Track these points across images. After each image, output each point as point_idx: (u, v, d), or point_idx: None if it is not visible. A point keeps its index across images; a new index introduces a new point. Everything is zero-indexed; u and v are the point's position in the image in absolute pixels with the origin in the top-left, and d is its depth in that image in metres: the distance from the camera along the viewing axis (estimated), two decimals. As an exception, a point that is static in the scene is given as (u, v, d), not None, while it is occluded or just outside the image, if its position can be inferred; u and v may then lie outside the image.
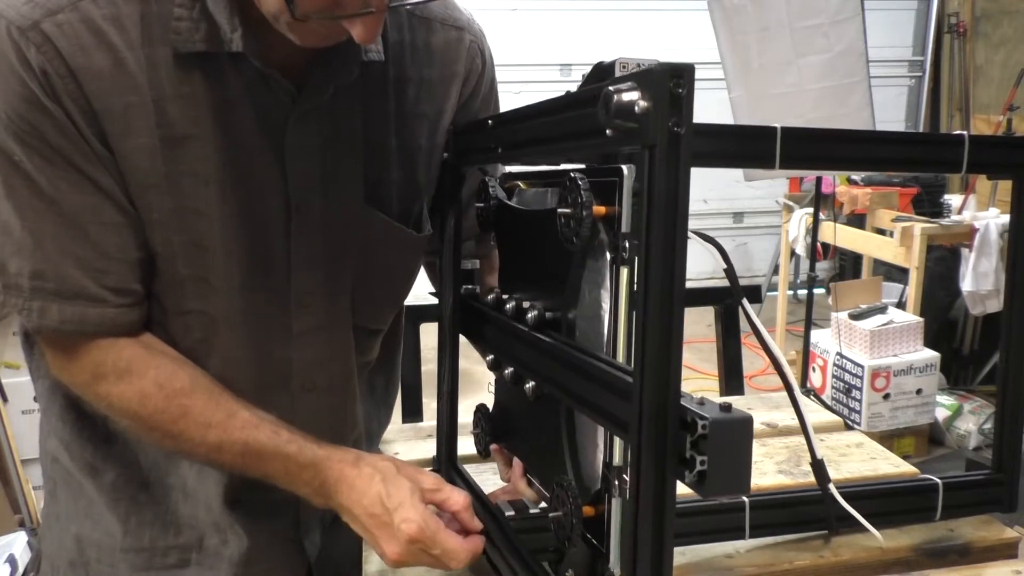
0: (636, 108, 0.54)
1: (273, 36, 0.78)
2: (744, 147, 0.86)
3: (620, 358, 0.68)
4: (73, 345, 0.86)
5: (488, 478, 1.16)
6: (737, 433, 0.56)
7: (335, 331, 0.96)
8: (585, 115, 0.62)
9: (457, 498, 0.86)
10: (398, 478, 0.85)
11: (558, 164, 0.86)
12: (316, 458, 0.86)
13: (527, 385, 0.83)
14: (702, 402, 0.58)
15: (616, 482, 0.67)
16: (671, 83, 0.53)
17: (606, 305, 0.71)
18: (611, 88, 0.55)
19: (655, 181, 0.55)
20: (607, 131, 0.57)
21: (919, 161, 0.99)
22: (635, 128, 0.55)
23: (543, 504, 0.97)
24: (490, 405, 1.04)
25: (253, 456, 0.86)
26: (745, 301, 0.83)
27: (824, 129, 0.89)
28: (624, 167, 0.65)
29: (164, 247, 0.85)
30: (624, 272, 0.64)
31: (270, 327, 0.92)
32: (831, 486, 0.92)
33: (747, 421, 0.56)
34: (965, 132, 0.95)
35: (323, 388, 0.97)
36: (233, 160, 0.85)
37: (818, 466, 0.91)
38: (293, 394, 0.95)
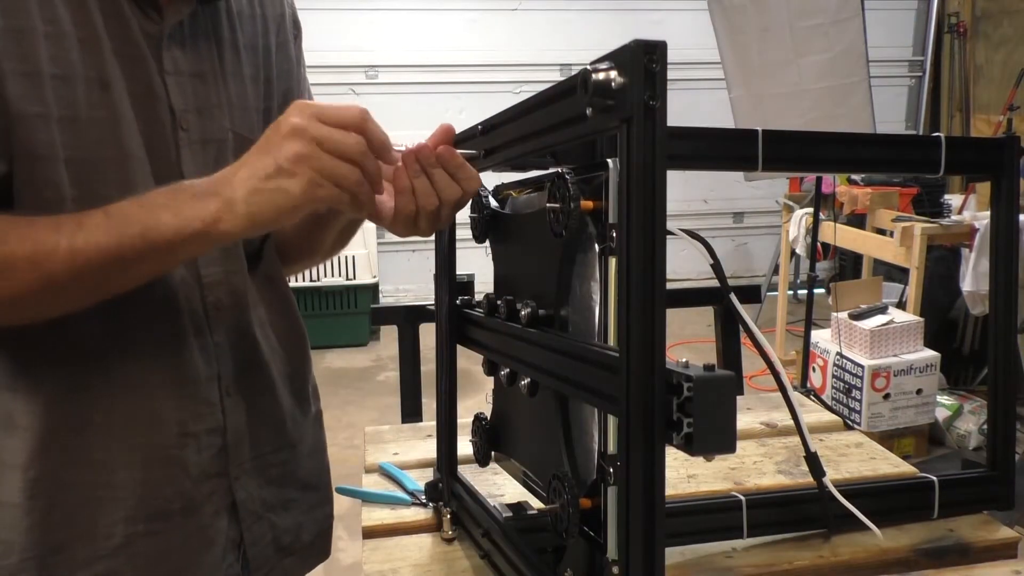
0: (613, 84, 0.57)
1: None
2: (728, 150, 0.87)
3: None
4: None
5: (488, 478, 1.16)
6: (721, 391, 0.57)
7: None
8: (567, 103, 0.64)
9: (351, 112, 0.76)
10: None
11: (547, 168, 0.87)
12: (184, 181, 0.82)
13: (522, 382, 0.84)
14: (687, 365, 0.59)
15: (611, 469, 0.67)
16: (645, 59, 0.56)
17: (596, 296, 0.73)
18: (589, 67, 0.58)
19: (633, 153, 0.57)
20: (587, 111, 0.59)
21: (898, 162, 1.00)
22: (612, 105, 0.57)
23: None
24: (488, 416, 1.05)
25: (120, 219, 0.79)
26: (733, 296, 0.84)
27: (806, 132, 0.91)
28: (610, 161, 0.66)
29: (48, 150, 0.82)
30: (613, 262, 0.65)
31: None
32: (826, 479, 0.92)
33: (731, 379, 0.58)
34: (941, 134, 0.97)
35: (229, 307, 0.96)
36: (127, 69, 0.87)
37: (812, 459, 0.91)
38: (208, 313, 0.94)
